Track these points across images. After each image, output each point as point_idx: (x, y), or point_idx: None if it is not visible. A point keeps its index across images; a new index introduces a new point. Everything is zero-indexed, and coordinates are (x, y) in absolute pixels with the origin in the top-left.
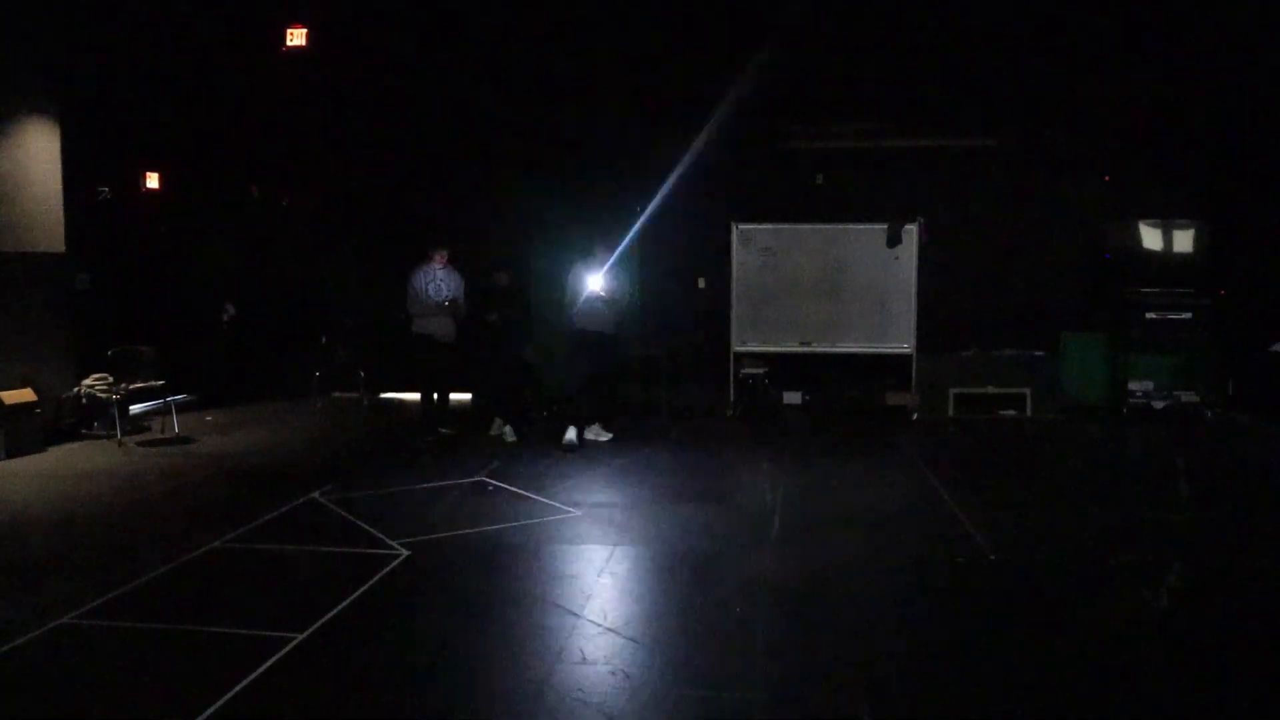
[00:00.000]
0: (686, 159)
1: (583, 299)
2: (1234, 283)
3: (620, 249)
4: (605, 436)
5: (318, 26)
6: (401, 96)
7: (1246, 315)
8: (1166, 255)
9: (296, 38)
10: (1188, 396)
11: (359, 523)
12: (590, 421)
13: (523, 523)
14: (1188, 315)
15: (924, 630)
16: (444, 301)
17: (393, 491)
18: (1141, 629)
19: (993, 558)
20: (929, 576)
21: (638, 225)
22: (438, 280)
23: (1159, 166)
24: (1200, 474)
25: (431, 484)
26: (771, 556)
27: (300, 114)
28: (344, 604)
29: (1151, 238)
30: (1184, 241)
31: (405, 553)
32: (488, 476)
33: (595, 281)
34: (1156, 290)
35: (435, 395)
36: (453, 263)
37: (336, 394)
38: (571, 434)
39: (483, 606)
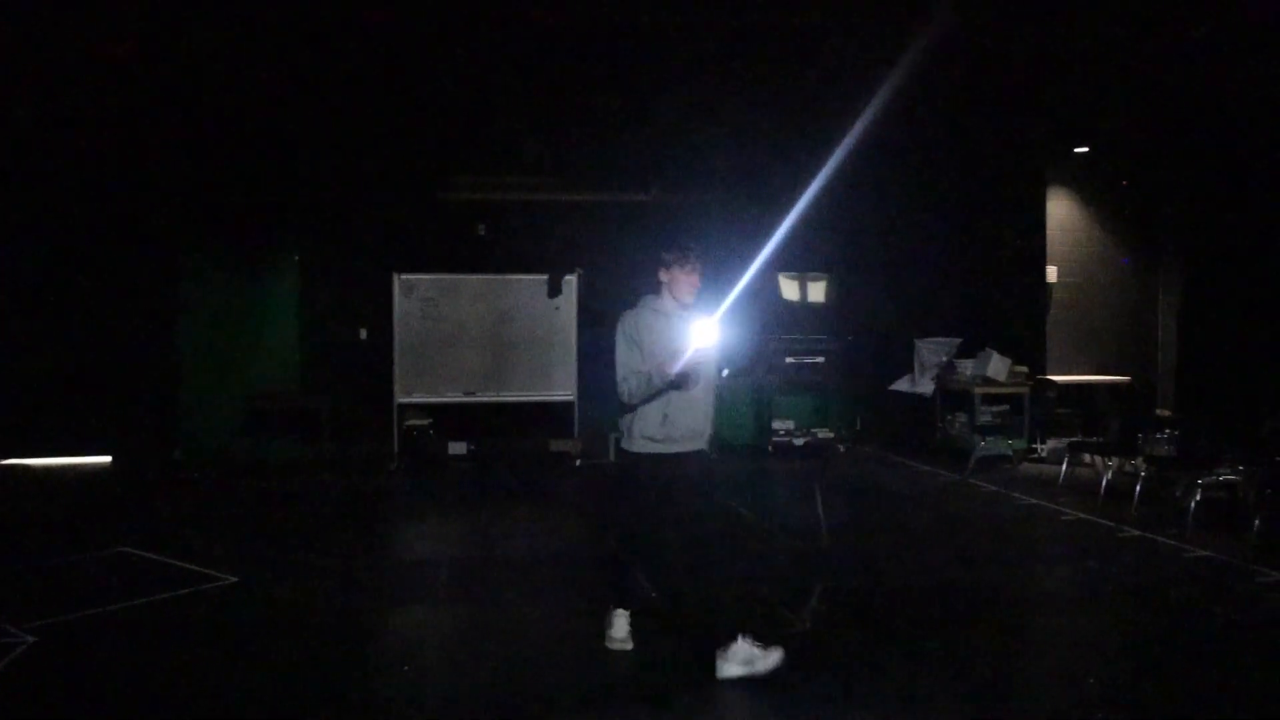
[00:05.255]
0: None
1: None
2: (858, 329)
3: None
4: (769, 662)
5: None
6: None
7: (869, 358)
8: (803, 305)
9: None
10: (824, 433)
11: None
12: (735, 632)
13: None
14: (821, 359)
15: (571, 671)
16: None
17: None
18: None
19: (654, 595)
20: (588, 621)
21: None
22: None
23: (795, 225)
24: (834, 503)
25: (59, 559)
26: (430, 608)
27: None
28: None
29: (790, 289)
30: (817, 292)
31: (30, 639)
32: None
33: (701, 331)
34: (796, 336)
35: None
36: None
37: None
38: (738, 658)
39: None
